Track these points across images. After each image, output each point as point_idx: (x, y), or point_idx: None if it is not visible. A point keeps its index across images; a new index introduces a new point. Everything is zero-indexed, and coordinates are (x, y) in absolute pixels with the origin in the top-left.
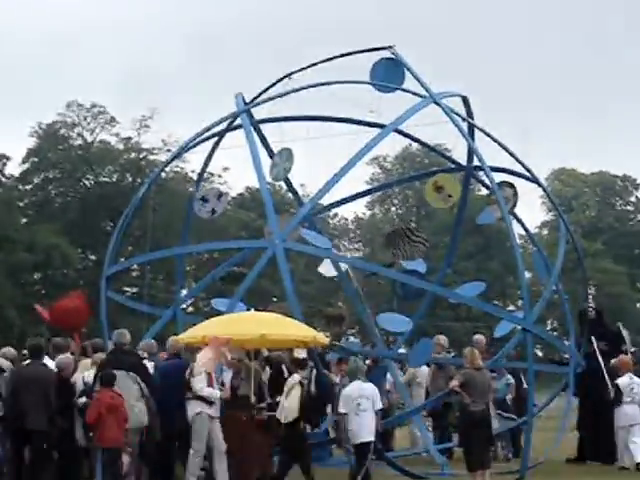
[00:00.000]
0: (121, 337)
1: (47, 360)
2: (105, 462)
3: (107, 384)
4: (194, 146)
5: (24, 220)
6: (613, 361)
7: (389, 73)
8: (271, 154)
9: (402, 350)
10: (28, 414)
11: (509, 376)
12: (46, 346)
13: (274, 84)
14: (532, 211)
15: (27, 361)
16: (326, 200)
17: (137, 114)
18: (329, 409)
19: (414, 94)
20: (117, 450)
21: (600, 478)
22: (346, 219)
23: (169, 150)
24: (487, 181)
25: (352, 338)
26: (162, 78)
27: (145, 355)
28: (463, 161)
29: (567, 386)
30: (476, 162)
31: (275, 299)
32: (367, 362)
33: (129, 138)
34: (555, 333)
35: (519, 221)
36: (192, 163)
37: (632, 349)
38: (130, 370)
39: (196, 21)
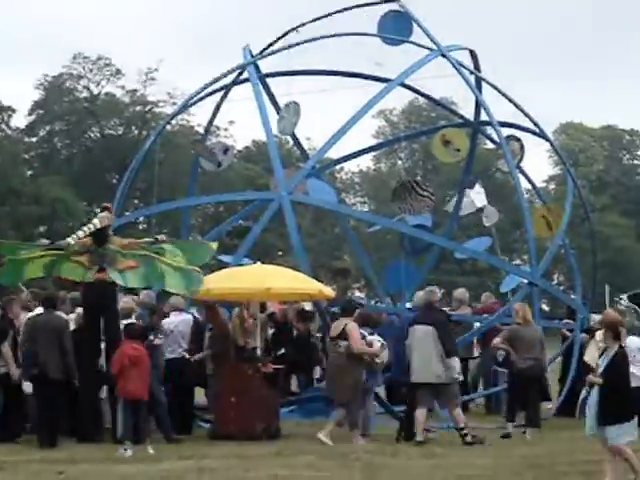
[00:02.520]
0: (432, 295)
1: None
2: (126, 413)
3: (129, 336)
4: (200, 99)
5: (29, 172)
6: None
7: (397, 26)
8: (277, 108)
9: (408, 305)
10: (44, 363)
11: None
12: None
13: (281, 37)
14: (539, 165)
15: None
16: (333, 153)
17: (143, 66)
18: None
19: (422, 47)
20: (138, 402)
21: None
22: (353, 172)
23: (175, 103)
24: (495, 136)
25: (357, 292)
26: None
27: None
28: (470, 115)
29: (574, 342)
30: (484, 116)
31: (281, 253)
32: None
33: (135, 90)
34: (561, 287)
35: (525, 175)
36: (198, 116)
37: None
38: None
39: None
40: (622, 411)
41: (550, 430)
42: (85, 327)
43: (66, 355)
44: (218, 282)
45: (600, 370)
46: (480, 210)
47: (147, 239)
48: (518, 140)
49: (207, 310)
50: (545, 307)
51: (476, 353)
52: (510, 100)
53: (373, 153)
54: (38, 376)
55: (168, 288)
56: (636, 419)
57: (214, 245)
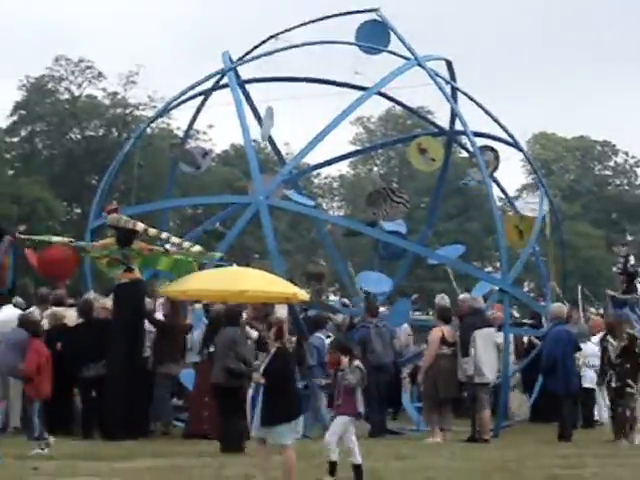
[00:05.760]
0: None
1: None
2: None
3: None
4: (180, 104)
5: (10, 172)
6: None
7: (375, 35)
8: (256, 113)
9: (382, 309)
10: None
11: None
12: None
13: (261, 44)
14: (513, 174)
15: None
16: (310, 159)
17: (124, 69)
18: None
19: (399, 56)
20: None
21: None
22: (333, 177)
23: (155, 106)
24: (469, 145)
25: (332, 296)
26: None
27: None
28: (446, 124)
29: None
30: (459, 126)
31: (257, 256)
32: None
33: (116, 93)
34: (532, 295)
35: (498, 184)
36: (178, 120)
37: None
38: None
39: None
40: (286, 410)
41: (522, 434)
42: (123, 325)
43: None
44: (194, 283)
45: (262, 369)
46: None
47: (159, 248)
48: (493, 150)
49: (170, 305)
50: (516, 313)
51: None
52: (485, 110)
53: (350, 159)
54: None
55: (159, 267)
56: (301, 418)
57: (218, 255)
